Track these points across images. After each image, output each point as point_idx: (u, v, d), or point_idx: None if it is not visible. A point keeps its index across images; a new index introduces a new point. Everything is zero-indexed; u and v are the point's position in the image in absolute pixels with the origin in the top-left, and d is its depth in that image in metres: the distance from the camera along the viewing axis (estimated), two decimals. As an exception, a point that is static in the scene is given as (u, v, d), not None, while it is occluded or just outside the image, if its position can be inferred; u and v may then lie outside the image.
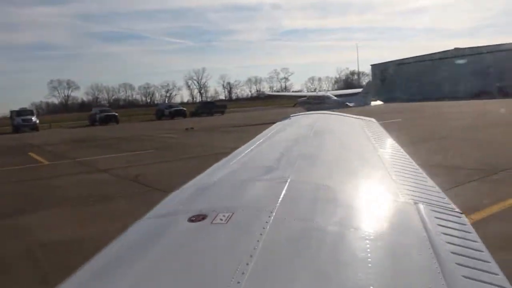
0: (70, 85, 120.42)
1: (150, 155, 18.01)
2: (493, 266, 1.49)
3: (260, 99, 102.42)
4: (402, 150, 3.62)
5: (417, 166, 2.99)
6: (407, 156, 3.34)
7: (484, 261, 1.53)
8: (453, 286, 1.29)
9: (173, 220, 1.73)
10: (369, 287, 1.24)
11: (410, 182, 2.45)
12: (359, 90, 40.29)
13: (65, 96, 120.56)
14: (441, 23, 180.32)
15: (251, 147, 3.45)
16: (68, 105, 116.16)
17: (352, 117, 5.55)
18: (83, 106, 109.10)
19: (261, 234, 1.48)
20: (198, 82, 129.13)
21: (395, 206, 2.03)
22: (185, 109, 61.07)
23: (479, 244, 1.67)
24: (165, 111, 58.79)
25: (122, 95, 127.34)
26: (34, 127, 49.16)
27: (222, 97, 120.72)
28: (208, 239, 1.51)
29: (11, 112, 53.10)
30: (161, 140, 25.28)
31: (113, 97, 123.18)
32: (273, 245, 1.43)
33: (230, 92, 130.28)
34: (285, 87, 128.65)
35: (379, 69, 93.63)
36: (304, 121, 5.16)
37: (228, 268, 1.26)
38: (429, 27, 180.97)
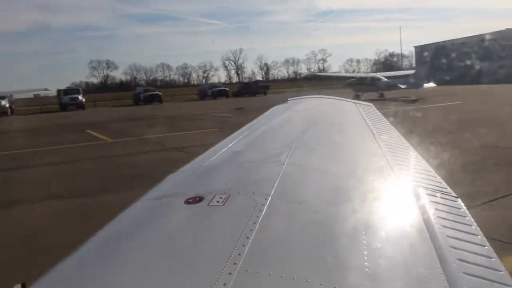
0: (109, 65, 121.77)
1: (216, 134, 17.51)
2: (488, 250, 1.50)
3: (297, 81, 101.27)
4: (399, 134, 3.64)
5: (415, 151, 3.00)
6: (404, 141, 3.35)
7: (479, 244, 1.54)
8: (447, 268, 1.31)
9: (170, 202, 1.75)
10: (365, 268, 1.26)
11: (407, 166, 2.46)
12: (410, 71, 38.82)
13: (104, 76, 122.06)
14: (485, 3, 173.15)
15: (248, 131, 3.49)
16: (107, 84, 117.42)
17: (349, 101, 5.54)
18: (122, 86, 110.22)
19: (257, 216, 1.49)
20: (235, 63, 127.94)
21: (392, 189, 2.07)
22: (227, 89, 60.67)
23: (474, 228, 1.69)
24: (208, 91, 58.49)
25: (159, 75, 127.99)
26: (80, 106, 49.74)
27: (259, 78, 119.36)
28: (204, 220, 1.53)
29: (58, 91, 53.90)
30: (218, 119, 24.78)
31: (151, 77, 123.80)
32: (269, 227, 1.44)
33: (267, 73, 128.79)
34: (323, 69, 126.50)
35: (423, 51, 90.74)
36: (301, 105, 5.15)
37: (224, 249, 1.28)
38: (472, 7, 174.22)
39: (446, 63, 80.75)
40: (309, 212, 1.65)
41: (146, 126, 22.94)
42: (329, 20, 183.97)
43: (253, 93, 60.17)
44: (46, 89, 47.30)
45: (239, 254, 1.24)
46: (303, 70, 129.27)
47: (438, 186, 2.17)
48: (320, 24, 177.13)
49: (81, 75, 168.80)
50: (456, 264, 1.34)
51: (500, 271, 1.37)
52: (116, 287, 1.19)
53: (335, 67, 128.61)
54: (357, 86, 37.29)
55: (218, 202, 1.63)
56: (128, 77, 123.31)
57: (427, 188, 2.09)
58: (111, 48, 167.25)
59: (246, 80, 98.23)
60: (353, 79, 40.80)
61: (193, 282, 1.16)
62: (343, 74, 72.61)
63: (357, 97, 36.00)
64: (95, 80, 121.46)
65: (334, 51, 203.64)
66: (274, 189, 1.76)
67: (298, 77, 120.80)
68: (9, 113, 46.31)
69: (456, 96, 32.54)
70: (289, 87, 73.31)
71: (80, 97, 50.98)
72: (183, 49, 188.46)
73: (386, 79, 36.62)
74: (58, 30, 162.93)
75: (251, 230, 1.39)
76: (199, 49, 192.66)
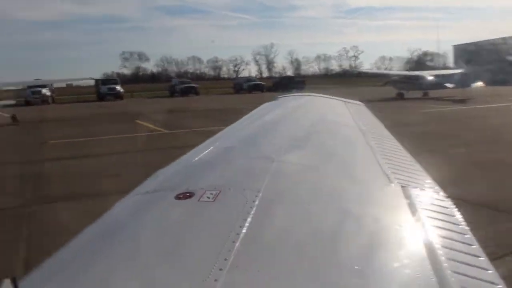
0: (141, 57, 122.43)
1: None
2: (477, 249, 1.50)
3: (328, 77, 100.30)
4: (389, 134, 3.62)
5: (405, 150, 2.99)
6: (395, 140, 3.34)
7: (468, 244, 1.53)
8: (437, 268, 1.30)
9: (160, 197, 1.76)
10: (354, 266, 1.26)
11: (397, 165, 2.45)
12: (457, 70, 37.90)
13: (136, 67, 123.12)
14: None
15: (238, 128, 3.54)
16: (139, 76, 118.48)
17: (340, 100, 5.54)
18: (153, 78, 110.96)
19: (248, 213, 1.50)
20: (266, 58, 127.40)
21: (382, 188, 2.03)
22: (263, 83, 60.40)
23: (464, 227, 1.68)
24: (244, 85, 58.41)
25: (190, 68, 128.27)
26: (118, 96, 50.16)
27: (289, 73, 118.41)
28: (195, 216, 1.53)
29: (97, 80, 54.41)
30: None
31: (182, 70, 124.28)
32: (260, 223, 1.44)
33: (298, 68, 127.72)
34: (355, 66, 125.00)
35: (463, 50, 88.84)
36: (291, 103, 5.15)
37: (215, 245, 1.28)
38: (507, 6, 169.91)
39: (489, 63, 78.98)
40: (299, 209, 1.68)
41: (194, 118, 22.98)
42: (359, 17, 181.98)
43: (288, 88, 59.71)
44: (91, 78, 47.86)
45: (229, 251, 1.25)
46: (334, 66, 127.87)
47: (429, 185, 2.16)
48: (350, 21, 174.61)
49: (113, 66, 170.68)
50: (446, 264, 1.34)
51: (489, 270, 1.37)
52: (105, 282, 1.18)
53: (366, 64, 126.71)
54: (400, 84, 36.68)
55: (208, 198, 1.64)
56: (160, 69, 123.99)
57: (418, 187, 2.08)
58: (143, 40, 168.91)
59: (277, 76, 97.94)
60: (396, 77, 40.08)
61: (183, 278, 1.16)
62: (385, 71, 71.34)
63: (400, 95, 35.66)
64: (126, 71, 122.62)
65: (365, 49, 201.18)
66: (264, 185, 1.77)
67: (329, 73, 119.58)
68: (50, 102, 47.09)
69: (504, 96, 31.67)
70: (323, 84, 72.68)
71: (118, 87, 51.46)
72: (214, 43, 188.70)
73: (431, 77, 35.90)
74: (91, 21, 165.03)
75: (241, 226, 1.40)
76: (230, 42, 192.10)
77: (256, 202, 1.59)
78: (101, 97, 49.87)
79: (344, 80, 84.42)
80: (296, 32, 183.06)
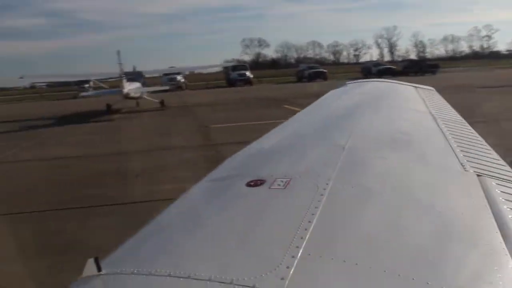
0: (261, 43, 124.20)
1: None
2: None
3: (456, 60, 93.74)
4: (464, 120, 3.58)
5: (481, 138, 2.91)
6: (470, 127, 3.26)
7: None
8: None
9: (231, 184, 1.79)
10: (429, 257, 1.24)
11: (472, 153, 2.35)
12: None
13: (256, 53, 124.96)
14: None
15: (307, 114, 3.78)
16: (259, 62, 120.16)
17: (410, 85, 5.35)
18: (274, 63, 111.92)
19: (319, 201, 1.49)
20: (388, 41, 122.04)
21: (457, 177, 1.97)
22: (394, 67, 57.62)
23: None
24: (373, 69, 56.02)
25: (310, 53, 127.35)
26: (248, 81, 50.85)
27: (412, 56, 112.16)
28: (266, 203, 1.55)
29: (226, 67, 55.81)
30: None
31: (302, 55, 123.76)
32: (331, 211, 1.44)
33: (423, 51, 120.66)
34: (488, 47, 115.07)
35: None
36: (360, 90, 5.06)
37: (287, 232, 1.29)
38: None
39: None
40: (371, 197, 1.64)
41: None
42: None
43: (420, 72, 56.03)
44: (228, 62, 49.39)
45: (301, 238, 1.25)
46: (464, 48, 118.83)
47: (507, 175, 2.05)
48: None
49: (233, 53, 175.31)
50: None
51: None
52: (180, 265, 1.19)
53: (502, 44, 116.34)
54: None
55: (279, 185, 1.64)
56: (279, 55, 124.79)
57: (495, 176, 1.96)
58: (262, 26, 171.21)
59: (400, 59, 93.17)
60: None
61: (256, 264, 1.16)
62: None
63: None
64: (246, 58, 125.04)
65: (500, 27, 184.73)
66: (335, 173, 1.75)
67: (457, 55, 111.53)
68: (184, 88, 49.10)
69: None
70: (455, 66, 67.30)
71: (247, 73, 52.19)
72: (333, 27, 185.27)
73: None
74: (211, 11, 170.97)
75: (313, 214, 1.39)
76: (350, 26, 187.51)
77: (327, 190, 1.57)
78: (231, 83, 50.86)
79: (477, 62, 77.89)
80: (421, 12, 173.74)
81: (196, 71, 60.49)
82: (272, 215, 1.45)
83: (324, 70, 55.71)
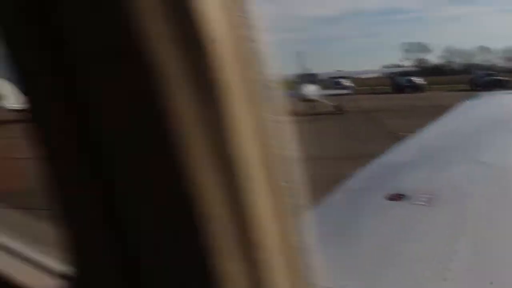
0: (422, 48, 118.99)
1: None
2: None
3: None
4: None
5: None
6: None
7: None
8: None
9: (371, 196, 1.75)
10: None
11: None
12: None
13: (418, 59, 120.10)
14: None
15: (442, 127, 3.63)
16: (421, 68, 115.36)
17: None
18: (435, 70, 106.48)
19: (467, 221, 1.41)
20: None
21: None
22: None
23: None
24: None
25: (477, 59, 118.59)
26: (418, 88, 49.11)
27: None
28: (409, 220, 1.47)
29: (392, 73, 54.47)
30: None
31: (468, 62, 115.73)
32: (480, 233, 1.34)
33: None
34: None
35: None
36: (496, 102, 4.77)
37: (434, 254, 1.23)
38: None
39: None
40: None
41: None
42: None
43: None
44: (392, 65, 48.54)
45: (451, 260, 1.19)
46: None
47: None
48: None
49: (391, 58, 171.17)
50: None
51: None
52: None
53: None
54: None
55: (421, 201, 1.57)
56: (443, 61, 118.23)
57: None
58: (422, 31, 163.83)
59: None
60: None
61: (405, 285, 1.12)
62: None
63: None
64: (406, 63, 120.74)
65: None
66: (481, 191, 1.66)
67: None
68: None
69: None
70: None
71: (417, 79, 50.37)
72: (505, 31, 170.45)
73: None
74: (367, 15, 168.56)
75: (462, 234, 1.31)
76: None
77: (474, 209, 1.48)
78: (398, 89, 49.35)
79: None
80: None
81: (355, 76, 60.37)
82: (418, 233, 1.43)
83: (504, 78, 51.23)
